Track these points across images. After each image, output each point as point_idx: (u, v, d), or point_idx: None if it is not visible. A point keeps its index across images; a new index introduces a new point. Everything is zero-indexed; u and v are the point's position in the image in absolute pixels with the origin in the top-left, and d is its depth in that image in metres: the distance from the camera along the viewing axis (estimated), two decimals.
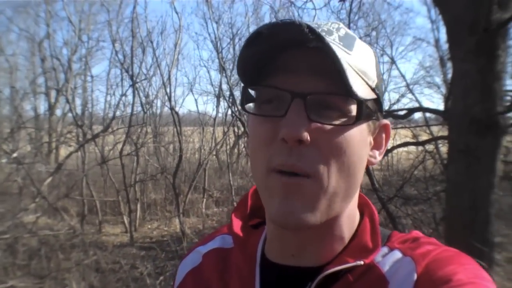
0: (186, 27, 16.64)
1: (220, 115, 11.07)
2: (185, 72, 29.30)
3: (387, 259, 0.65)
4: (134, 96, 8.22)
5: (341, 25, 0.67)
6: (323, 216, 0.62)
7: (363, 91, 0.61)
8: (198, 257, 0.81)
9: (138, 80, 8.33)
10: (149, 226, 8.70)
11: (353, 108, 0.61)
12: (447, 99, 4.32)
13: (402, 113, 4.29)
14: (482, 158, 2.65)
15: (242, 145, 11.71)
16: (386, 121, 0.71)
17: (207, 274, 0.76)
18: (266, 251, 0.72)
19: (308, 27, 0.56)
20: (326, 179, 0.60)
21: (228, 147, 10.87)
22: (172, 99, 8.41)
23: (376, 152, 0.70)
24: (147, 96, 9.63)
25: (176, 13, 8.67)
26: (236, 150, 11.71)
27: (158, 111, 11.45)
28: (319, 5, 11.00)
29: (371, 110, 0.65)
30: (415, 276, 0.60)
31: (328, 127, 0.60)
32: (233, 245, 0.76)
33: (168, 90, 8.16)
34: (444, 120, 4.06)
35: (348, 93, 0.57)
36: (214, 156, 11.03)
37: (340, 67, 0.55)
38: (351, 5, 4.38)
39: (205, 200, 9.00)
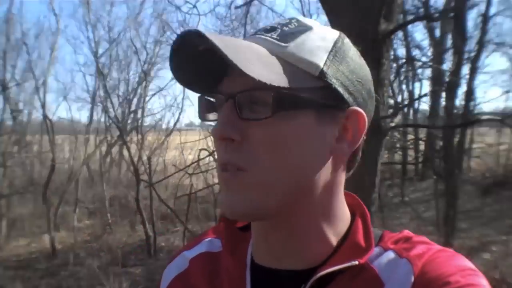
0: (64, 29, 15.66)
1: (94, 122, 10.62)
2: (57, 77, 26.71)
3: (381, 260, 0.65)
4: (5, 103, 7.66)
5: (294, 20, 0.67)
6: (265, 208, 0.62)
7: (295, 80, 0.59)
8: (184, 262, 0.79)
9: (9, 86, 7.71)
10: (16, 244, 8.14)
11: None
12: None
13: None
14: (366, 160, 2.90)
15: (115, 154, 11.36)
16: (355, 109, 0.65)
17: (194, 279, 0.75)
18: (254, 254, 0.72)
19: (197, 32, 0.56)
20: (260, 173, 0.60)
21: (101, 155, 10.44)
22: (46, 106, 7.92)
23: (345, 144, 0.65)
24: (17, 103, 8.93)
25: (55, 14, 8.19)
26: (108, 159, 11.30)
27: (26, 119, 10.64)
28: (204, 11, 11.16)
29: (314, 99, 0.61)
30: (413, 278, 0.61)
31: (257, 122, 0.60)
32: (222, 249, 0.75)
33: (42, 96, 7.70)
34: None
35: (262, 86, 0.56)
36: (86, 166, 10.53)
37: (230, 62, 0.54)
38: (246, 12, 4.41)
39: (77, 212, 8.59)
